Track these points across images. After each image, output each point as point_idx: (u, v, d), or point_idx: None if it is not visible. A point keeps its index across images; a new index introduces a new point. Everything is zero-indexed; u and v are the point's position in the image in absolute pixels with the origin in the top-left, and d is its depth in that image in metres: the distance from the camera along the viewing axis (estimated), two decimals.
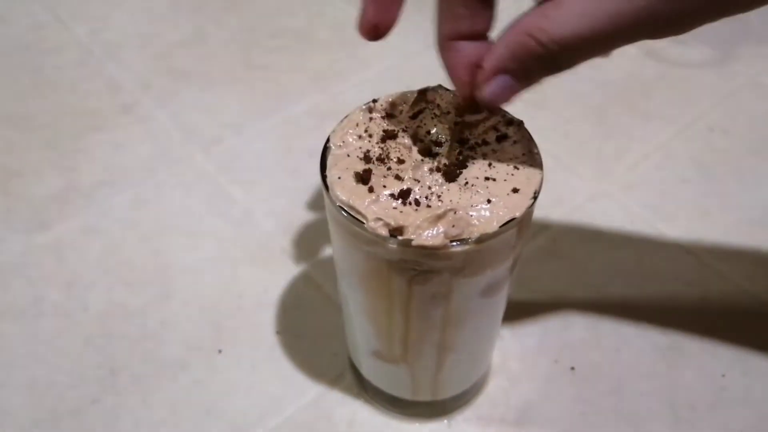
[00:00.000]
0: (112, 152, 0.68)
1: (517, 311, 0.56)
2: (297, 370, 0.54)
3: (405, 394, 0.49)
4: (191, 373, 0.54)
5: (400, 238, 0.35)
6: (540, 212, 0.62)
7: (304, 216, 0.62)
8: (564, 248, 0.61)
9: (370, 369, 0.50)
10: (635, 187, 0.66)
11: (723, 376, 0.54)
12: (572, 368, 0.54)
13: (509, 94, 0.36)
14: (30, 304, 0.57)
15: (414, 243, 0.35)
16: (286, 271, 0.59)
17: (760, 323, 0.57)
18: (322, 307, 0.57)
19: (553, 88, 0.74)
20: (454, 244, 0.35)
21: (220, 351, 0.55)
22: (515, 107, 0.71)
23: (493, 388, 0.53)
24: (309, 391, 0.53)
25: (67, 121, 0.71)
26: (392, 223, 0.35)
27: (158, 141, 0.69)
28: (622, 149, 0.69)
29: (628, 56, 0.79)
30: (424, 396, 0.50)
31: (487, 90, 0.36)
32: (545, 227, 0.62)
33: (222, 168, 0.67)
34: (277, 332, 0.56)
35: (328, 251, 0.59)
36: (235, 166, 0.67)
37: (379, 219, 0.36)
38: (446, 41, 0.38)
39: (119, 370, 0.54)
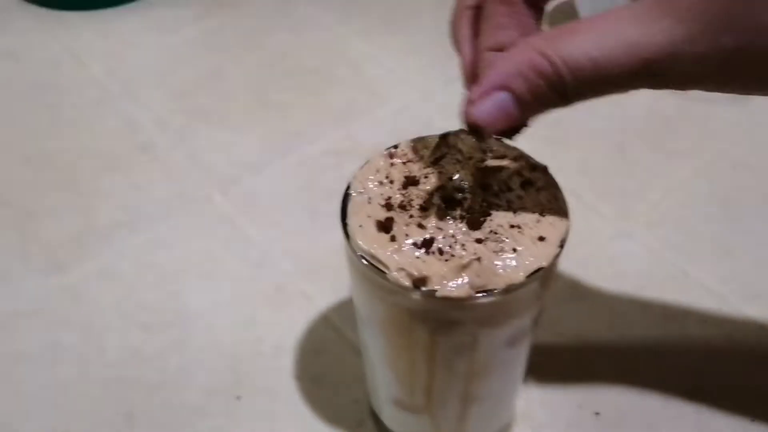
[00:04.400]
0: (129, 193, 0.68)
1: (540, 354, 0.55)
2: (317, 417, 0.53)
3: None
4: (210, 420, 0.53)
5: (423, 289, 0.35)
6: (563, 251, 0.61)
7: (323, 257, 0.62)
8: (586, 289, 0.60)
9: (391, 417, 0.49)
10: (658, 225, 0.65)
11: (752, 420, 0.52)
12: (597, 413, 0.53)
13: (504, 117, 0.33)
14: (46, 348, 0.57)
15: (438, 294, 0.34)
16: (305, 314, 0.58)
17: None
18: (343, 352, 0.56)
19: (573, 125, 0.74)
20: (480, 295, 0.35)
21: (238, 397, 0.54)
22: (534, 144, 0.70)
23: None
24: None
25: (84, 161, 0.71)
26: (415, 273, 0.35)
27: (175, 181, 0.69)
28: (644, 187, 0.68)
29: (647, 92, 0.78)
30: None
31: (480, 108, 0.33)
32: (567, 268, 0.61)
33: (239, 208, 0.66)
34: (297, 378, 0.55)
35: (348, 294, 0.59)
36: (253, 207, 0.67)
37: (402, 269, 0.35)
38: (483, 53, 0.36)
39: (137, 416, 0.53)
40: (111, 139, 0.73)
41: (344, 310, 0.58)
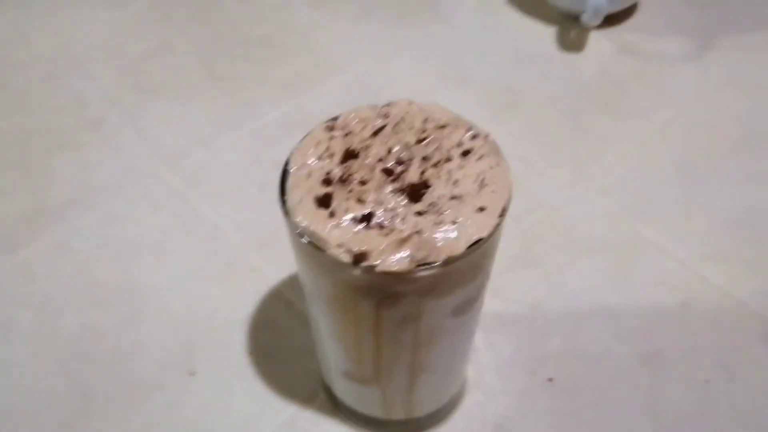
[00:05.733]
0: (80, 170, 0.67)
1: (493, 322, 0.55)
2: (270, 390, 0.53)
3: (378, 413, 0.49)
4: (165, 395, 0.53)
5: (364, 264, 0.34)
6: (515, 219, 0.61)
7: (273, 230, 0.61)
8: (540, 256, 0.60)
9: (342, 389, 0.49)
10: (613, 189, 0.65)
11: (706, 382, 0.53)
12: (550, 380, 0.53)
13: None
14: (1, 327, 0.56)
15: (378, 269, 0.34)
16: (257, 288, 0.58)
17: (743, 327, 0.56)
18: (294, 325, 0.56)
19: (525, 90, 0.74)
20: (421, 268, 0.34)
21: (192, 372, 0.54)
22: (486, 111, 0.70)
23: (469, 403, 0.52)
24: (283, 411, 0.52)
25: (34, 139, 0.70)
26: (355, 248, 0.34)
27: (126, 157, 0.68)
28: (598, 151, 0.68)
29: (602, 53, 0.78)
30: (398, 415, 0.49)
31: None
32: (519, 234, 0.61)
33: (190, 183, 0.66)
34: (249, 352, 0.55)
35: None
36: (203, 181, 0.66)
37: (342, 245, 0.35)
38: None
39: (92, 393, 0.53)
40: (60, 117, 0.72)
41: (295, 283, 0.57)
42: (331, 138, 0.39)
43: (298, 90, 0.74)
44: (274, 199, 0.59)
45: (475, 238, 0.35)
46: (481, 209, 0.36)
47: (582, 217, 0.63)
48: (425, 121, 0.40)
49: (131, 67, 0.77)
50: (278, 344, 0.55)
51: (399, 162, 0.38)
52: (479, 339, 0.54)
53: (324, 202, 0.36)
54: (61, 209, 0.64)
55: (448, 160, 0.38)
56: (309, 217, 0.36)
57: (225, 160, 0.68)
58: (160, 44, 0.80)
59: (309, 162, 0.38)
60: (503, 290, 0.57)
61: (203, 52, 0.79)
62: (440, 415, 0.50)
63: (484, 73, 0.75)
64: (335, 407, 0.51)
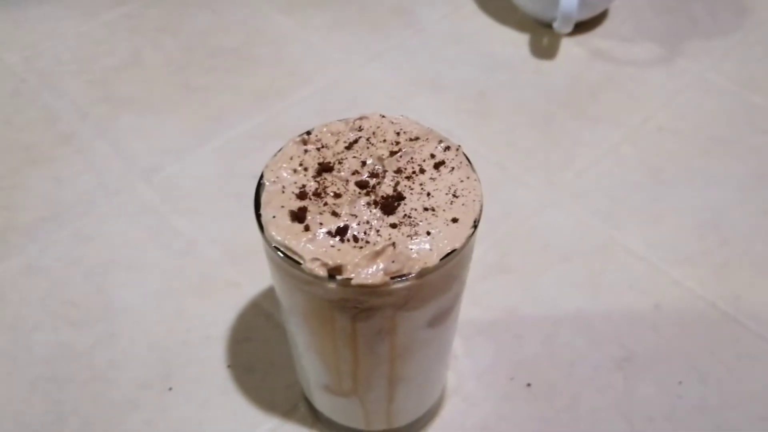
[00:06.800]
0: (51, 186, 0.66)
1: (470, 329, 0.56)
2: (250, 404, 0.52)
3: (359, 424, 0.49)
4: (142, 413, 0.52)
5: (338, 278, 0.35)
6: (488, 225, 0.61)
7: (249, 243, 0.61)
8: (514, 262, 0.61)
9: (322, 402, 0.49)
10: (585, 194, 0.66)
11: (679, 383, 0.53)
12: (528, 384, 0.53)
13: None
14: None
15: (353, 282, 0.34)
16: (234, 301, 0.58)
17: (714, 329, 0.57)
18: (273, 337, 0.56)
19: (498, 96, 0.74)
20: (395, 280, 0.35)
21: (170, 388, 0.53)
22: (459, 118, 0.70)
23: (448, 410, 0.52)
24: (263, 425, 0.52)
25: (4, 155, 0.69)
26: (330, 262, 0.35)
27: (98, 172, 0.68)
28: (570, 156, 0.69)
29: (574, 59, 0.78)
30: (379, 426, 0.49)
31: None
32: (494, 241, 0.62)
33: (164, 197, 0.65)
34: (228, 366, 0.54)
35: None
36: (177, 194, 0.66)
37: (317, 259, 0.35)
38: None
39: (68, 414, 0.52)
40: (31, 131, 0.71)
41: (273, 295, 0.58)
42: (306, 152, 0.40)
43: (271, 100, 0.74)
44: (250, 211, 0.59)
45: (448, 249, 0.35)
46: (454, 221, 0.37)
47: (555, 223, 0.63)
48: (398, 134, 0.41)
49: (102, 80, 0.77)
50: (257, 357, 0.55)
51: (373, 175, 0.38)
52: (458, 346, 0.55)
53: (298, 216, 0.36)
54: (32, 226, 0.63)
55: (421, 172, 0.39)
56: (284, 231, 0.36)
57: (199, 173, 0.68)
58: (131, 56, 0.79)
59: (283, 176, 0.39)
60: (480, 297, 0.58)
61: (175, 63, 0.78)
62: (421, 423, 0.51)
63: (457, 80, 0.76)
64: (316, 420, 0.51)
